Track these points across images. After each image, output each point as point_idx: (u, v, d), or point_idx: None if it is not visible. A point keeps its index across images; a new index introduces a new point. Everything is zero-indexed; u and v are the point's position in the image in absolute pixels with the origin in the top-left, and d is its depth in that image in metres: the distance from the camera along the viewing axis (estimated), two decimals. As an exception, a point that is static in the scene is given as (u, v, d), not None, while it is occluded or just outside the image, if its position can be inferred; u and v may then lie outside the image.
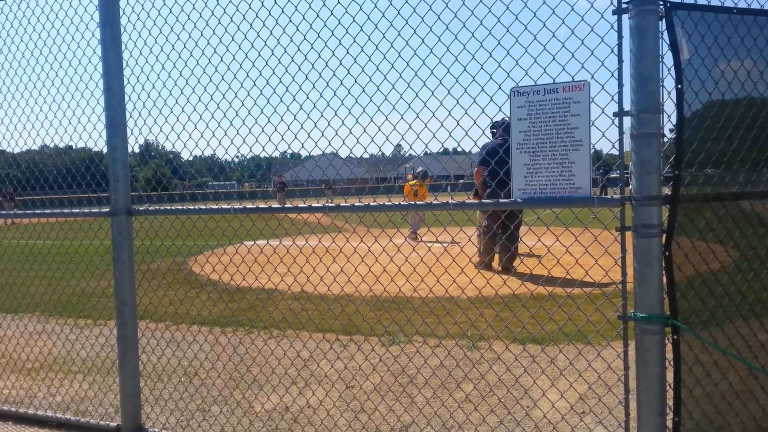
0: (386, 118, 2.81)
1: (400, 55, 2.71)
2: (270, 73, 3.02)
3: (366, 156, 3.08)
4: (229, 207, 3.09)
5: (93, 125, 3.65)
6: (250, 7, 3.06)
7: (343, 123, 2.94)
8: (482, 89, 2.56)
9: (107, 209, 3.32)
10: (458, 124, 2.67)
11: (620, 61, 2.23)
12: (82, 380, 4.34)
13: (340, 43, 2.79)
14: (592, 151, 2.32)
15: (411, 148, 2.85)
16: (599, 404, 3.51)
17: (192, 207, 3.23)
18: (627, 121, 2.20)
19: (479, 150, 7.94)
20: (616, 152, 2.31)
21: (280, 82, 3.01)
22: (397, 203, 2.88)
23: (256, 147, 3.74)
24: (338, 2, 2.79)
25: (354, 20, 2.76)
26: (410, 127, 2.74)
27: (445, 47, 2.58)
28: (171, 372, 4.46)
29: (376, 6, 2.75)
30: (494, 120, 3.40)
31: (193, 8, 3.19)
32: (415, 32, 2.63)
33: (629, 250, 2.25)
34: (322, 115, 3.06)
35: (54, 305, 7.04)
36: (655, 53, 2.12)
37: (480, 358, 4.44)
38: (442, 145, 2.84)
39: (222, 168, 4.49)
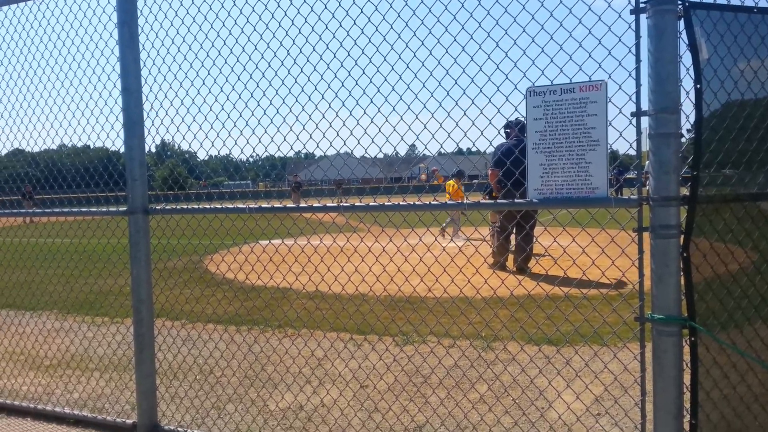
0: (401, 118, 2.81)
1: (415, 55, 2.71)
2: (285, 73, 3.03)
3: (380, 156, 3.08)
4: (244, 207, 3.11)
5: (111, 125, 3.68)
6: (266, 8, 3.07)
7: (358, 123, 2.94)
8: (498, 89, 2.55)
9: (124, 208, 3.35)
10: (473, 123, 2.66)
11: (638, 60, 2.22)
12: (99, 377, 4.39)
13: (355, 43, 2.80)
14: (609, 151, 2.30)
15: (426, 147, 2.85)
16: (615, 406, 3.48)
17: (208, 206, 3.25)
18: (644, 121, 2.18)
19: (493, 150, 7.90)
20: (632, 152, 2.29)
21: (296, 82, 3.02)
22: (411, 203, 2.87)
23: (271, 147, 3.76)
24: (353, 2, 2.80)
25: (369, 20, 2.76)
26: (425, 126, 2.74)
27: (460, 47, 2.57)
28: (187, 370, 4.49)
29: (391, 6, 2.75)
30: (508, 120, 3.38)
31: (210, 9, 3.21)
32: (430, 32, 2.63)
33: (646, 251, 2.23)
34: (337, 115, 3.07)
35: (72, 303, 7.12)
36: (674, 53, 2.10)
37: (495, 358, 4.43)
38: (457, 145, 2.84)
39: (237, 167, 4.52)
